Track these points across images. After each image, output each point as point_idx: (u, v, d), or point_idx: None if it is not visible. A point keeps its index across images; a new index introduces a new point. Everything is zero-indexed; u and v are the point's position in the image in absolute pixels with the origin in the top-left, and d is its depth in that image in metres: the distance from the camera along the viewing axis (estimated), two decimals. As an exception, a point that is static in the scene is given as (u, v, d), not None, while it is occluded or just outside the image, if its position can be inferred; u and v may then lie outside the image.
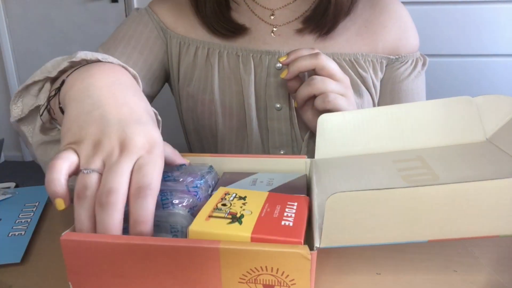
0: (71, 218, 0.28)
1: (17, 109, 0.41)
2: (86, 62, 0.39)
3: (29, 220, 0.43)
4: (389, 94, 0.61)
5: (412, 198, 0.26)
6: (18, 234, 0.41)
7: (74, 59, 0.39)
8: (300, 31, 0.59)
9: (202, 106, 0.60)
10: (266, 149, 0.61)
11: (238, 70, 0.58)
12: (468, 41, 1.65)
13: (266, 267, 0.25)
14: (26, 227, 0.42)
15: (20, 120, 0.42)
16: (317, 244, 0.27)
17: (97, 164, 0.29)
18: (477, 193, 0.26)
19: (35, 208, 0.46)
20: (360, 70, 0.59)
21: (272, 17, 0.61)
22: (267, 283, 0.26)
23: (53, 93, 0.39)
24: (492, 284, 0.31)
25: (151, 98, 0.61)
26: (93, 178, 0.28)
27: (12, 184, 0.52)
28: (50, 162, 0.29)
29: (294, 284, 0.26)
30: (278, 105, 0.58)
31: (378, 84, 0.61)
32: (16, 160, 2.44)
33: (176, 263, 0.26)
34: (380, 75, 0.61)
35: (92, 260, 0.27)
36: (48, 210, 0.46)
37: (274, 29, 0.60)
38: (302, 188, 0.37)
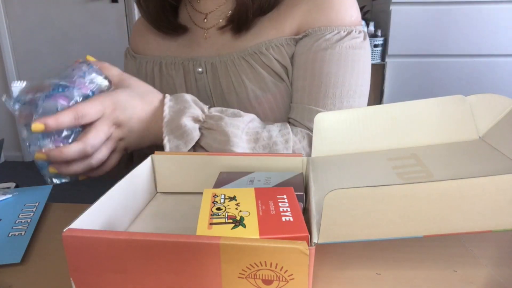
0: (71, 218, 0.29)
1: None
2: None
3: (29, 220, 0.44)
4: (298, 67, 0.58)
5: (408, 195, 0.27)
6: (18, 234, 0.41)
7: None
8: (221, 29, 0.62)
9: None
10: None
11: (172, 76, 0.63)
12: (468, 41, 1.66)
13: (265, 262, 0.26)
14: (26, 227, 0.42)
15: None
16: (315, 240, 0.27)
17: None
18: (470, 189, 0.27)
19: (35, 208, 0.46)
20: (264, 60, 0.58)
21: (205, 21, 0.64)
22: (266, 278, 0.26)
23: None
24: (492, 284, 0.31)
25: None
26: None
27: (12, 184, 0.53)
28: None
29: (293, 279, 0.26)
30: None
31: (289, 65, 0.58)
32: (16, 160, 2.43)
33: (177, 258, 0.26)
34: (290, 53, 0.58)
35: (93, 256, 0.27)
36: (48, 211, 0.47)
37: (205, 33, 0.63)
38: (300, 186, 0.37)
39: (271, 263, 0.26)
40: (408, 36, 1.66)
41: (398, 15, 1.66)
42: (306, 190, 0.38)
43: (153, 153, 0.44)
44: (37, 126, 0.42)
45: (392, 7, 1.65)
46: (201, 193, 0.33)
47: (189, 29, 0.65)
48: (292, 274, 0.26)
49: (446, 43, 1.66)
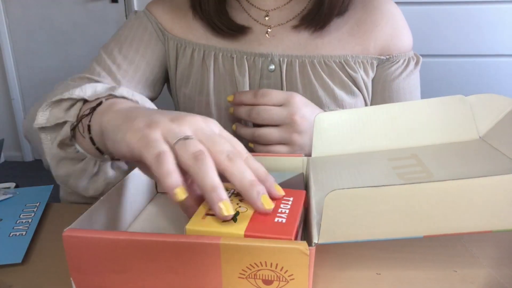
0: (71, 218, 0.29)
1: (43, 117, 0.42)
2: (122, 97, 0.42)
3: (30, 220, 0.44)
4: (380, 94, 0.62)
5: (408, 195, 0.27)
6: (19, 234, 0.41)
7: (115, 94, 0.41)
8: (295, 28, 0.60)
9: (199, 107, 0.61)
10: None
11: (233, 72, 0.59)
12: (468, 41, 1.66)
13: (265, 262, 0.26)
14: (27, 227, 0.42)
15: (42, 128, 0.43)
16: (315, 240, 0.27)
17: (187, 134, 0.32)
18: (470, 190, 0.27)
19: (36, 208, 0.46)
20: (350, 71, 0.59)
21: (266, 18, 0.62)
22: (267, 278, 0.26)
23: (87, 112, 0.40)
24: (492, 283, 0.31)
25: (152, 100, 0.62)
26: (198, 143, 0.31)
27: (12, 184, 0.53)
28: (153, 156, 0.29)
29: (293, 279, 0.26)
30: None
31: (370, 84, 0.62)
32: (16, 160, 2.43)
33: (177, 258, 0.26)
34: (372, 74, 0.62)
35: (94, 256, 0.27)
36: (49, 211, 0.47)
37: (269, 30, 0.61)
38: (300, 186, 0.38)
39: (271, 263, 0.26)
40: (408, 36, 1.66)
41: (398, 15, 1.66)
42: (306, 190, 0.38)
43: None
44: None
45: (392, 7, 1.65)
46: (201, 193, 0.33)
47: (246, 25, 0.61)
48: (292, 274, 0.26)
49: (446, 43, 1.66)
